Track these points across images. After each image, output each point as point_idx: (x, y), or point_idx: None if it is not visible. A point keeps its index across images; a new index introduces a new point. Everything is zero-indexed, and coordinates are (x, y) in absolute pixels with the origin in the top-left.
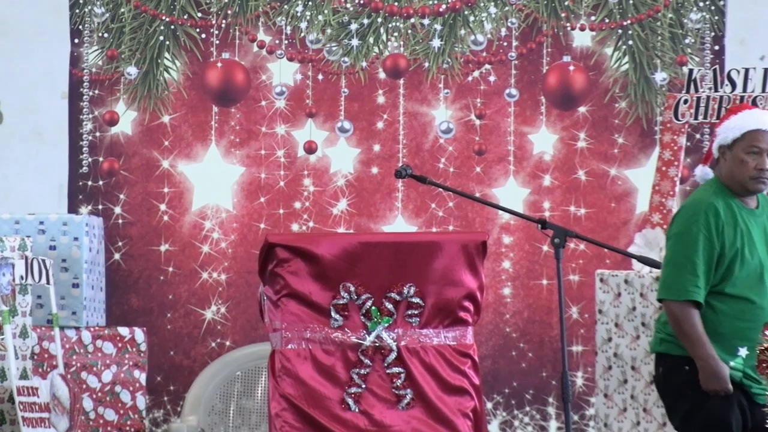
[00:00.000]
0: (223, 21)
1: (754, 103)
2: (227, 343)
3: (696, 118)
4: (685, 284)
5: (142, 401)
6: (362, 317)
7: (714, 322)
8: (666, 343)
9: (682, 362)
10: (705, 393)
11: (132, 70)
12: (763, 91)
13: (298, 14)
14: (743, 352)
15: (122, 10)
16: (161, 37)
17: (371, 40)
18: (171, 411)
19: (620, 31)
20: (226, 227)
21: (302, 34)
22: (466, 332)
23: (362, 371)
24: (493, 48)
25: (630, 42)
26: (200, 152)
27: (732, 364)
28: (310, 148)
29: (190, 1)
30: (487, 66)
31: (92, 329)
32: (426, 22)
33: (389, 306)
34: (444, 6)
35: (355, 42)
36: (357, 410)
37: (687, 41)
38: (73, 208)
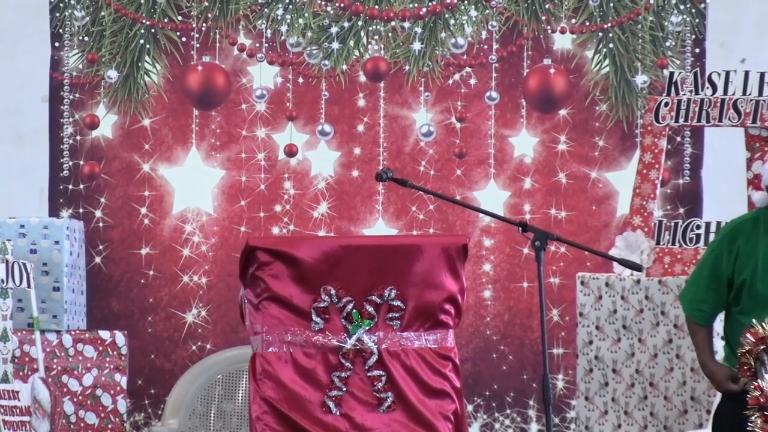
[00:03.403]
0: (204, 24)
1: (735, 106)
2: (208, 346)
3: (677, 121)
4: (690, 302)
5: (122, 405)
6: (343, 320)
7: (730, 336)
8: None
9: None
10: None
11: (112, 74)
12: (744, 93)
13: (279, 17)
14: None
15: (102, 13)
16: (141, 41)
17: (352, 43)
18: (152, 414)
19: (601, 34)
20: (207, 230)
21: (282, 38)
22: (447, 335)
23: (343, 374)
24: (473, 51)
25: (610, 45)
26: (181, 155)
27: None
28: (291, 152)
29: (170, 5)
30: (468, 69)
31: (73, 333)
32: (406, 25)
33: (370, 309)
34: (424, 9)
35: (335, 45)
36: (338, 413)
37: (668, 44)
38: (53, 212)
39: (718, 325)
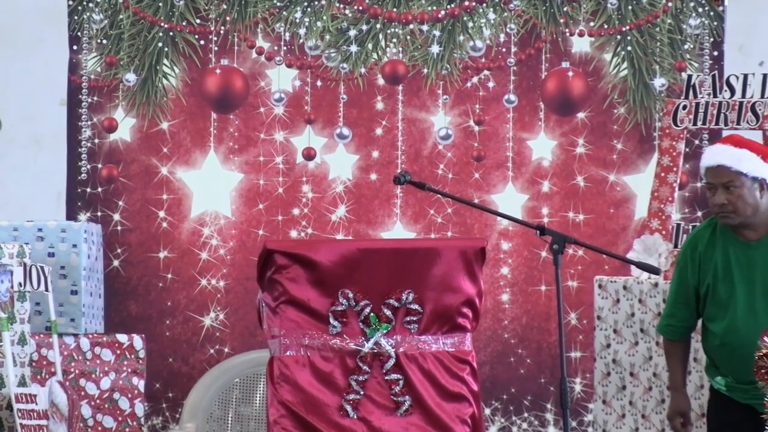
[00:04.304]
0: (222, 27)
1: (753, 109)
2: (226, 349)
3: (695, 124)
4: (662, 318)
5: (140, 408)
6: (361, 324)
7: (704, 346)
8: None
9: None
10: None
11: (131, 77)
12: (762, 96)
13: (297, 20)
14: (720, 380)
15: (121, 16)
16: (160, 44)
17: (370, 46)
18: (170, 418)
19: (619, 36)
20: (225, 234)
21: (301, 41)
22: (465, 339)
23: (361, 378)
24: (491, 54)
25: (629, 48)
26: (199, 159)
27: (717, 378)
28: (309, 155)
29: (188, 8)
30: (486, 72)
31: (91, 336)
32: (425, 28)
33: (388, 312)
34: (443, 12)
35: (353, 48)
36: (355, 417)
37: (686, 47)
38: (71, 215)
39: None
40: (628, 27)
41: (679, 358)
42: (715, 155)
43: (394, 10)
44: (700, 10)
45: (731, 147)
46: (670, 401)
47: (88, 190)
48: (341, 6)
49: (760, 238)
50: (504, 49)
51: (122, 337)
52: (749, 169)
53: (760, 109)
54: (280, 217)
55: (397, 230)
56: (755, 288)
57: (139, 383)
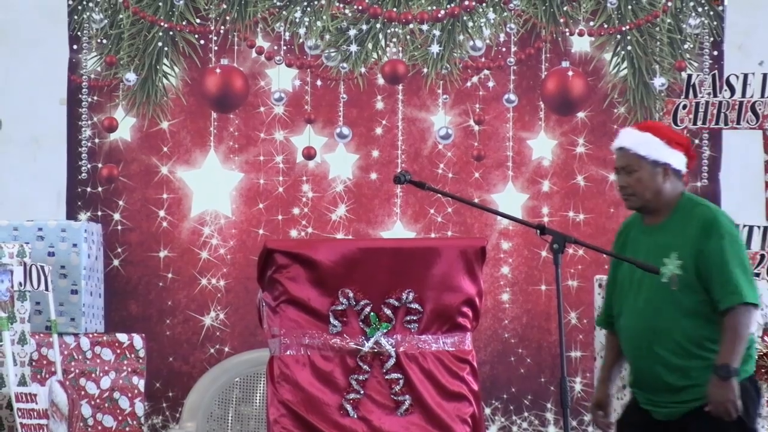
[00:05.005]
0: (222, 27)
1: (753, 108)
2: (226, 349)
3: (695, 124)
4: None
5: (140, 407)
6: (361, 323)
7: None
8: None
9: None
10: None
11: (131, 77)
12: (762, 96)
13: (297, 20)
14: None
15: (121, 16)
16: (160, 44)
17: (370, 45)
18: (170, 417)
19: (619, 36)
20: (225, 233)
21: (301, 40)
22: (465, 338)
23: (361, 377)
24: (491, 53)
25: (629, 47)
26: (199, 158)
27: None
28: (309, 154)
29: (188, 8)
30: (486, 71)
31: (91, 335)
32: (425, 27)
33: (388, 312)
34: (443, 12)
35: (353, 48)
36: (355, 416)
37: (686, 46)
38: (71, 215)
39: None
40: (627, 27)
41: (609, 350)
42: (619, 138)
43: (394, 9)
44: (700, 9)
45: (636, 131)
46: (594, 393)
47: (89, 189)
48: (341, 5)
49: (660, 222)
50: (504, 49)
51: (122, 337)
52: (648, 153)
53: (760, 109)
54: (280, 217)
55: (397, 230)
56: (635, 273)
57: (139, 382)
